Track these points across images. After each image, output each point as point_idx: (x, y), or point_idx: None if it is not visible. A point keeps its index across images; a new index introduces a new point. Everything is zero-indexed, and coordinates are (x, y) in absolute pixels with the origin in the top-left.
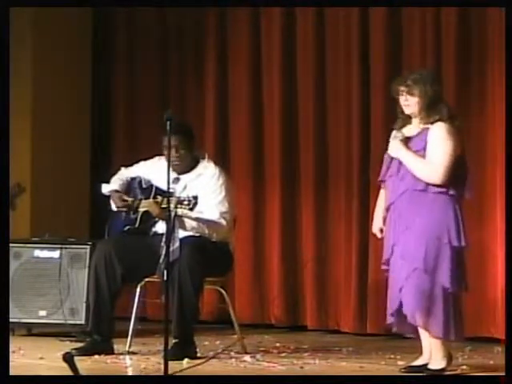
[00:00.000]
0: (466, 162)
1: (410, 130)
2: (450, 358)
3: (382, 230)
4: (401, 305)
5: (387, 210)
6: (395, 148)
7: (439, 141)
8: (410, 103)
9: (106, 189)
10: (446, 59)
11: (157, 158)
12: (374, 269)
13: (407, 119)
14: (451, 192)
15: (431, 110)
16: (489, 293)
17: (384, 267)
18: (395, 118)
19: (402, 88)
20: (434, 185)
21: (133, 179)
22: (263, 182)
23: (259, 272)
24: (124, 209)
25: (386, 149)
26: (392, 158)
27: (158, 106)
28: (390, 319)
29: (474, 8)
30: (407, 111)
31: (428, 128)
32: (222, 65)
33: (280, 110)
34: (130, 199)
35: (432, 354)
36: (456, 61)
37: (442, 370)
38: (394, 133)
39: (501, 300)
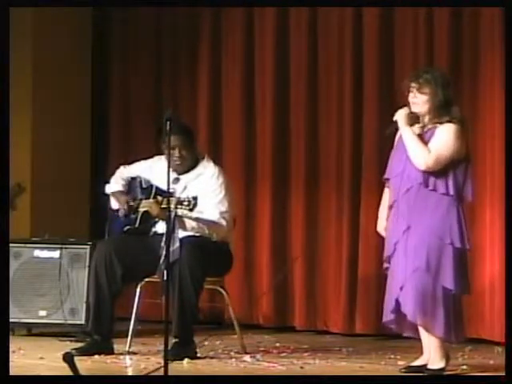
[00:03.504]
0: (470, 165)
1: (417, 129)
2: (448, 357)
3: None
4: (400, 303)
5: (390, 207)
6: (401, 118)
7: (444, 138)
8: (418, 101)
9: (109, 189)
10: (438, 60)
11: (157, 157)
12: (363, 269)
13: (415, 118)
14: (455, 194)
15: (441, 112)
16: (478, 294)
17: (385, 265)
18: (388, 118)
19: (413, 85)
20: (439, 183)
21: (133, 179)
22: (254, 182)
23: (248, 271)
24: (125, 212)
25: (389, 148)
26: (397, 156)
27: (153, 106)
28: (388, 317)
29: (467, 8)
30: (414, 109)
31: (436, 127)
32: (215, 65)
33: (272, 110)
34: (133, 204)
35: (431, 354)
36: (449, 61)
37: (442, 369)
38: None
39: (489, 301)
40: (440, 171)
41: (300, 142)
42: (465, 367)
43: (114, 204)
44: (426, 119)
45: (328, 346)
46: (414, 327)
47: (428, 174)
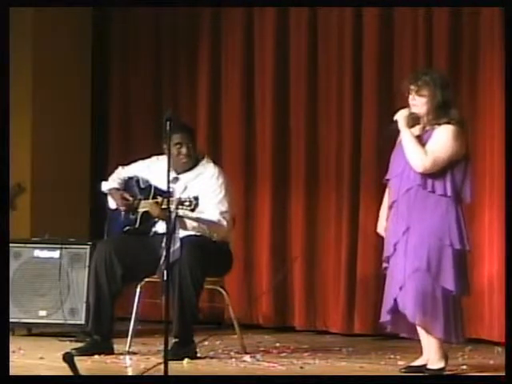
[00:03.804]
0: (469, 166)
1: (417, 129)
2: (446, 358)
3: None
4: (398, 303)
5: (390, 207)
6: (401, 118)
7: (442, 140)
8: (417, 103)
9: (105, 187)
10: (437, 60)
11: (154, 157)
12: (362, 269)
13: (416, 119)
14: (453, 195)
15: (440, 113)
16: (477, 294)
17: (384, 265)
18: (387, 119)
19: (412, 87)
20: (438, 185)
21: (130, 178)
22: (254, 182)
23: (248, 271)
24: (124, 207)
25: (388, 149)
26: (397, 157)
27: (153, 106)
28: (385, 317)
29: (466, 8)
30: (413, 110)
31: (434, 128)
32: (215, 65)
33: (272, 110)
34: (130, 198)
35: (431, 354)
36: (448, 61)
37: (442, 369)
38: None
39: (488, 301)
40: (438, 172)
41: (300, 142)
42: (465, 367)
43: (112, 203)
44: (425, 120)
45: (328, 346)
46: (410, 328)
47: (426, 175)
